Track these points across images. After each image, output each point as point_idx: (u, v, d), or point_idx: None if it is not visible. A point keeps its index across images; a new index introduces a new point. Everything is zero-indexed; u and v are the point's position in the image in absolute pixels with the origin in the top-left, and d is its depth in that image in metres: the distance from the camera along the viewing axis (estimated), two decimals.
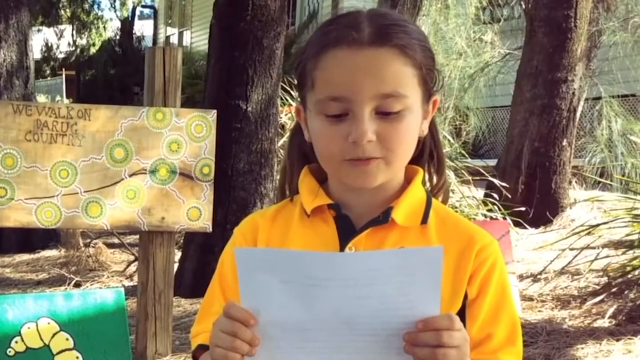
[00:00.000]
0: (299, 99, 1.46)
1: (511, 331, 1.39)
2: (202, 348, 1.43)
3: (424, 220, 1.42)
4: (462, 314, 1.35)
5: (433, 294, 1.16)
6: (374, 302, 1.16)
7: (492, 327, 1.38)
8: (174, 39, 26.09)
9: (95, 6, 26.06)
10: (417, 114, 1.38)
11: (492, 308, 1.38)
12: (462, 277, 1.37)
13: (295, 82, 1.46)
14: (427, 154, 1.50)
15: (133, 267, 6.12)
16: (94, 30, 25.15)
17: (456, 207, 6.59)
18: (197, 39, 23.38)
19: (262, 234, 1.46)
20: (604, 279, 5.29)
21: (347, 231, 1.40)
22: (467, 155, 8.29)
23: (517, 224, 7.08)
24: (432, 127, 1.49)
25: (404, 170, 1.45)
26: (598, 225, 5.96)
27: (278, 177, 1.55)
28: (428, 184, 1.51)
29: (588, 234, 5.87)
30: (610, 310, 4.67)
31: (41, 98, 20.45)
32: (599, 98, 10.16)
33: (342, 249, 1.38)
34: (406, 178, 1.45)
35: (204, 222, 4.14)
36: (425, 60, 1.37)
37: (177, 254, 5.52)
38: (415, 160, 1.48)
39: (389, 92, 1.32)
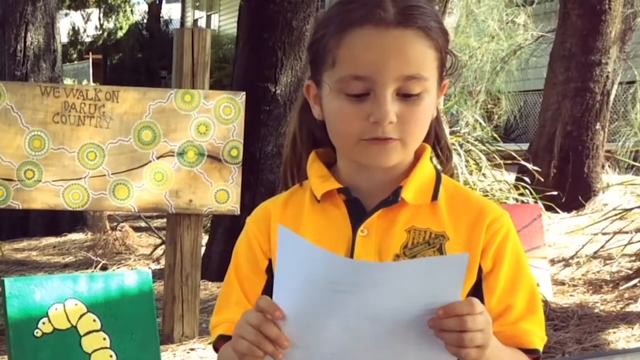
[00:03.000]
0: (310, 76, 1.45)
1: (530, 300, 1.40)
2: (223, 338, 1.44)
3: (434, 197, 1.42)
4: (477, 287, 1.38)
5: (455, 290, 1.19)
6: (399, 303, 1.19)
7: (511, 298, 1.38)
8: (202, 23, 26.11)
9: None
10: (433, 97, 1.38)
11: (509, 279, 1.39)
12: (475, 251, 1.37)
13: (310, 59, 1.44)
14: (433, 135, 1.49)
15: (160, 251, 6.11)
16: (121, 14, 25.26)
17: (487, 191, 6.53)
18: (224, 22, 23.39)
19: (275, 222, 1.45)
20: (637, 264, 5.25)
21: (358, 214, 1.40)
22: (499, 139, 8.22)
23: (549, 208, 7.00)
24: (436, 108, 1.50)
25: None
26: (631, 209, 5.93)
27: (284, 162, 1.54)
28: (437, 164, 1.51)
29: (620, 218, 5.83)
30: None
31: (68, 82, 20.49)
32: (633, 82, 10.05)
33: (354, 231, 1.39)
34: (414, 155, 1.44)
35: (232, 204, 4.11)
36: (444, 43, 1.37)
37: (205, 238, 5.50)
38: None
39: (412, 74, 1.33)
